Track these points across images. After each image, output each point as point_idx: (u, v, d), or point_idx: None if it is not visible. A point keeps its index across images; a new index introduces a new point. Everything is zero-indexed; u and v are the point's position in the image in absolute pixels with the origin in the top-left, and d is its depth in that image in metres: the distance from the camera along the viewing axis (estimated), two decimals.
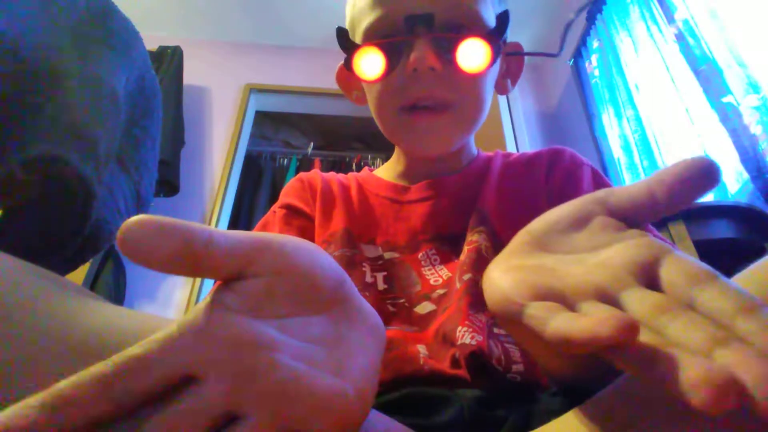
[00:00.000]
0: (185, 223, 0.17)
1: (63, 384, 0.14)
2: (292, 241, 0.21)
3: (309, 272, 0.20)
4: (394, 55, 0.46)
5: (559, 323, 0.18)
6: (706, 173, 0.21)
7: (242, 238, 0.18)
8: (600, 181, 0.52)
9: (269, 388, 0.16)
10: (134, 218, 0.16)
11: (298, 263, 0.20)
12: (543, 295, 0.21)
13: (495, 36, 0.45)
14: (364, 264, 0.47)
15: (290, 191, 0.57)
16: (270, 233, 0.21)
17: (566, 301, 0.20)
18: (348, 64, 0.47)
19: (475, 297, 0.40)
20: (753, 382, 0.13)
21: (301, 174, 0.60)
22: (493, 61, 0.44)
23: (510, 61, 0.56)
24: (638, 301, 0.18)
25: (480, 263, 0.42)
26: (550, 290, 0.21)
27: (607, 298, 0.19)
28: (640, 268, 0.20)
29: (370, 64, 0.46)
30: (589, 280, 0.20)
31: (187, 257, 0.16)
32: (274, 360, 0.16)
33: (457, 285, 0.42)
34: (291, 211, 0.54)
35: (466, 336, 0.37)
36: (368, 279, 0.46)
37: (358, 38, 0.51)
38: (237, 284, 0.18)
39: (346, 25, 0.54)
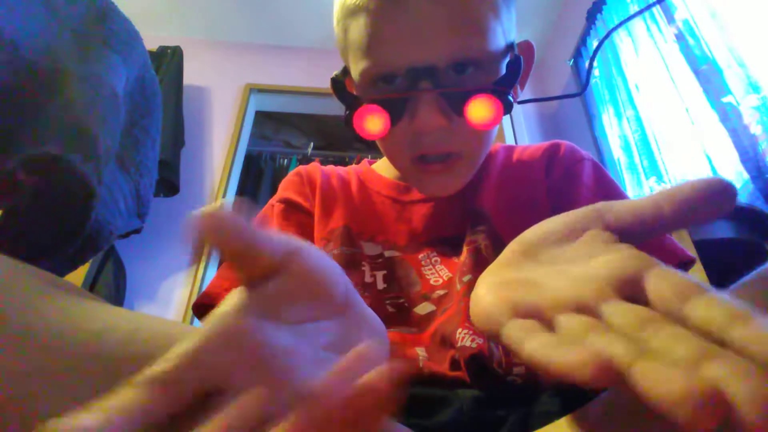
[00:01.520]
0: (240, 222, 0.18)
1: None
2: (314, 247, 0.22)
3: (327, 277, 0.22)
4: (396, 110, 0.43)
5: (534, 347, 0.17)
6: (722, 195, 0.20)
7: (283, 239, 0.20)
8: (600, 174, 0.51)
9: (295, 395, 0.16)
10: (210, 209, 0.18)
11: (320, 268, 0.22)
12: (524, 312, 0.21)
13: (504, 87, 0.42)
14: (363, 263, 0.46)
15: (289, 185, 0.56)
16: (297, 240, 0.22)
17: (545, 315, 0.20)
18: (348, 122, 0.44)
19: None
20: (741, 398, 0.13)
21: (300, 168, 0.58)
22: (505, 115, 0.42)
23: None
24: (621, 315, 0.18)
25: (479, 263, 0.42)
26: (531, 306, 0.21)
27: (587, 310, 0.19)
28: (624, 281, 0.19)
29: (372, 123, 0.44)
30: (570, 293, 0.20)
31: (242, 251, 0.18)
32: (294, 368, 0.17)
33: (458, 286, 0.42)
34: (289, 206, 0.53)
35: (466, 338, 0.37)
36: (367, 279, 0.45)
37: (352, 71, 0.47)
38: (261, 285, 0.19)
39: (335, 33, 0.50)
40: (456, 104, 0.42)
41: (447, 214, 0.50)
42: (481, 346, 0.36)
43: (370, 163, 0.60)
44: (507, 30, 0.46)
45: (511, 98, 0.42)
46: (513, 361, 0.38)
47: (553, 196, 0.48)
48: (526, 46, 0.51)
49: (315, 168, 0.57)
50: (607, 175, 0.51)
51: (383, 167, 0.58)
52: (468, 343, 0.36)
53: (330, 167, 0.58)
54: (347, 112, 0.44)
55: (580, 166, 0.50)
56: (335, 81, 0.47)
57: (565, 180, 0.49)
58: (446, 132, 0.43)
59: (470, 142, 0.46)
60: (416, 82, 0.41)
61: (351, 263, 0.46)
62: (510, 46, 0.46)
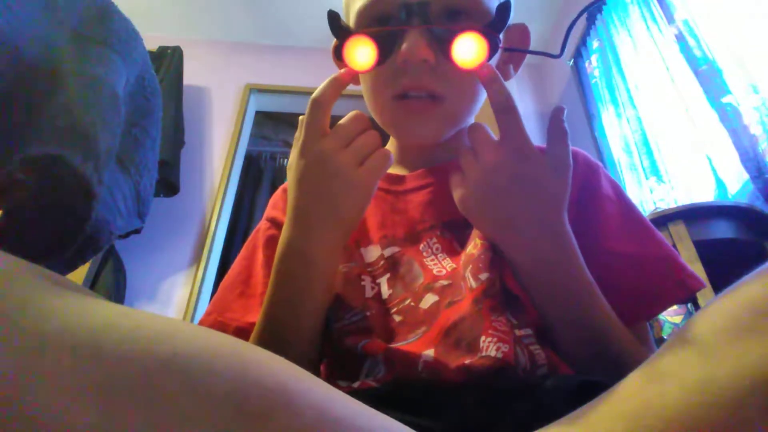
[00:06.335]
0: None
1: None
2: None
3: None
4: (386, 44, 0.43)
5: None
6: None
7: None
8: (614, 183, 0.51)
9: None
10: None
11: None
12: None
13: (493, 30, 0.43)
14: (362, 277, 0.45)
15: (277, 203, 0.56)
16: None
17: None
18: (338, 53, 0.44)
19: (495, 300, 0.39)
20: None
21: (287, 184, 0.58)
22: (490, 57, 0.42)
23: (513, 44, 0.52)
24: None
25: (497, 260, 0.41)
26: None
27: None
28: None
29: (361, 53, 0.43)
30: None
31: None
32: None
33: (472, 282, 0.41)
34: (277, 227, 0.53)
35: (491, 347, 0.36)
36: (369, 293, 0.44)
37: (351, 18, 0.49)
38: None
39: (342, 4, 0.52)
40: (443, 42, 0.42)
41: (445, 200, 0.48)
42: (506, 354, 0.35)
43: None
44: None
45: (498, 41, 0.42)
46: (537, 362, 0.37)
47: (572, 208, 0.46)
48: (521, 29, 0.52)
49: None
50: (617, 183, 0.52)
51: None
52: (493, 353, 0.35)
53: None
54: (339, 43, 0.44)
55: (597, 176, 0.50)
56: (333, 14, 0.46)
57: (585, 190, 0.48)
58: (430, 69, 0.44)
59: (454, 86, 0.46)
60: (408, 19, 0.43)
61: (349, 281, 0.45)
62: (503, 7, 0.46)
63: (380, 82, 0.47)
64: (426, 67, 0.44)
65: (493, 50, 0.42)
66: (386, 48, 0.43)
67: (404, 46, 0.42)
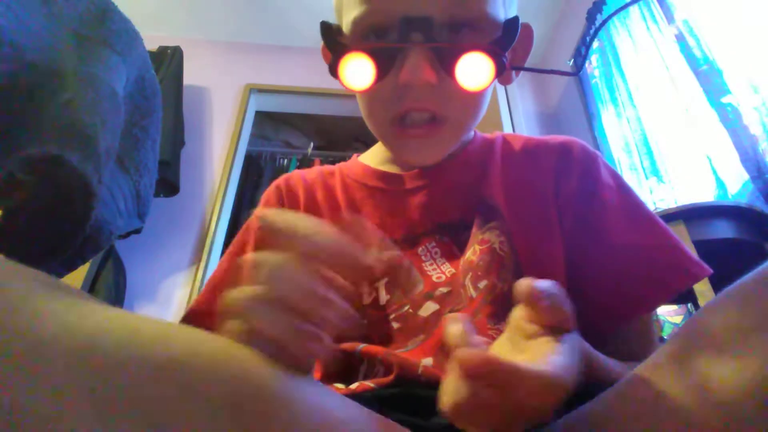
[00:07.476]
0: None
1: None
2: None
3: None
4: (385, 61, 0.40)
5: None
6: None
7: None
8: (612, 172, 0.49)
9: None
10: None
11: None
12: None
13: (500, 48, 0.40)
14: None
15: (269, 200, 0.55)
16: None
17: None
18: (333, 70, 0.41)
19: (495, 306, 0.39)
20: None
21: (281, 180, 0.55)
22: (497, 77, 0.40)
23: (516, 51, 0.50)
24: None
25: (495, 264, 0.41)
26: None
27: None
28: None
29: (358, 71, 0.40)
30: None
31: None
32: None
33: (471, 291, 0.40)
34: None
35: None
36: (366, 300, 0.43)
37: (344, 23, 0.45)
38: None
39: (333, 2, 0.49)
40: (447, 61, 0.39)
41: (443, 201, 0.47)
42: None
43: (358, 156, 0.57)
44: (507, 4, 0.45)
45: (504, 60, 0.40)
46: None
47: (573, 199, 0.45)
48: (525, 30, 0.50)
49: (298, 181, 0.54)
50: (616, 172, 0.50)
51: (370, 157, 0.55)
52: None
53: (314, 174, 0.55)
54: (333, 60, 0.41)
55: (596, 165, 0.49)
56: (326, 25, 0.43)
57: (585, 181, 0.47)
58: (433, 90, 0.41)
59: (457, 107, 0.43)
60: (409, 34, 0.39)
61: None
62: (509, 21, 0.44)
63: (379, 102, 0.44)
64: (428, 88, 0.41)
65: (499, 71, 0.39)
66: (385, 65, 0.40)
67: (406, 66, 0.39)
